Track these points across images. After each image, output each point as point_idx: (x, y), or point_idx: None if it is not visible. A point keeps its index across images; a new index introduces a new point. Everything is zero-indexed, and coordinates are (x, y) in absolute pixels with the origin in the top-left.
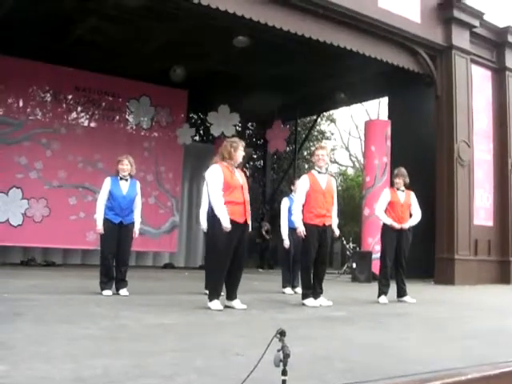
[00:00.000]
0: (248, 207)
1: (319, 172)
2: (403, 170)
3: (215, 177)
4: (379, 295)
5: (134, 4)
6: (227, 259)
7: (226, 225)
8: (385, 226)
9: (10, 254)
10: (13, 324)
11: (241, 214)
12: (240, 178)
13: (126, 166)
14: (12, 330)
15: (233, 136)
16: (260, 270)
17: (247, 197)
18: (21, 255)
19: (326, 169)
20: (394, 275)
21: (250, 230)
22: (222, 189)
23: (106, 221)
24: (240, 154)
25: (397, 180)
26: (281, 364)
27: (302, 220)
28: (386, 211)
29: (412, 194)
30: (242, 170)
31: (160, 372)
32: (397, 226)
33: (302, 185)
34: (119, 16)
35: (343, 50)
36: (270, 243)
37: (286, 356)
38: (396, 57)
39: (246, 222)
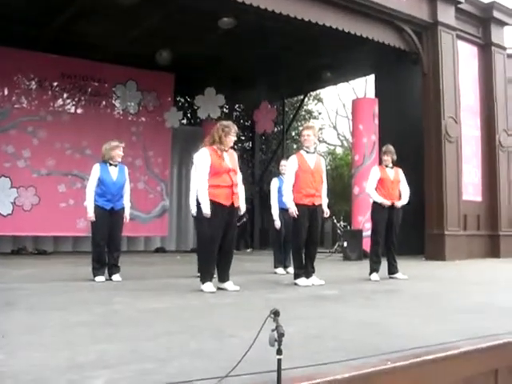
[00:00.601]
0: (236, 190)
1: (307, 152)
2: (391, 147)
3: (202, 161)
4: (371, 272)
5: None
6: (215, 242)
7: (206, 211)
8: (375, 203)
9: (1, 244)
10: (6, 313)
11: (227, 196)
12: (229, 161)
13: (121, 152)
14: (5, 319)
15: (219, 118)
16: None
17: (236, 180)
18: (11, 244)
19: (315, 148)
20: (385, 252)
21: (243, 211)
22: (209, 173)
23: (97, 207)
24: (231, 139)
25: (385, 157)
26: (276, 343)
27: (293, 200)
28: (376, 189)
29: (400, 171)
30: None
31: (155, 356)
32: (388, 202)
33: (290, 165)
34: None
35: (329, 29)
36: (246, 223)
37: (281, 335)
38: (381, 34)
39: (232, 204)
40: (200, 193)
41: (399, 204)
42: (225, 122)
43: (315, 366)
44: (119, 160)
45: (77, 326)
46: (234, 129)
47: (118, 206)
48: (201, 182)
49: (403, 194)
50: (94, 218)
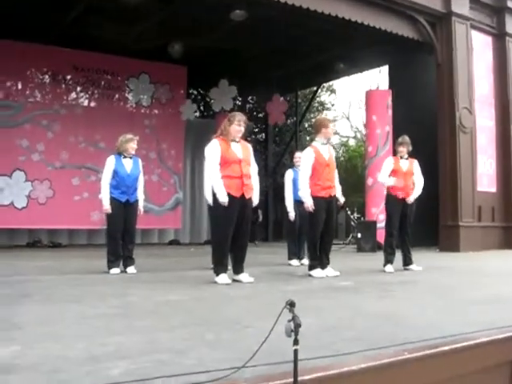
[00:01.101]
0: (247, 181)
1: (321, 143)
2: (407, 138)
3: (212, 152)
4: (385, 264)
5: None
6: (228, 233)
7: (223, 199)
8: (389, 195)
9: (16, 237)
10: (22, 305)
11: (237, 187)
12: (239, 151)
13: (135, 144)
14: (22, 311)
15: (232, 110)
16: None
17: (247, 171)
18: (27, 237)
19: (328, 140)
20: (400, 244)
21: (256, 203)
22: (220, 163)
23: (113, 200)
24: (234, 128)
25: (400, 148)
26: (292, 334)
27: (310, 193)
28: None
29: (415, 162)
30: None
31: (172, 347)
32: (401, 182)
33: (307, 158)
34: None
35: (342, 20)
36: (258, 218)
37: (297, 326)
38: (396, 25)
39: (243, 196)
40: (214, 182)
41: (411, 198)
42: (232, 113)
43: (332, 356)
44: (133, 153)
45: (93, 318)
46: (239, 117)
47: (133, 199)
48: (213, 171)
49: (416, 186)
50: (110, 210)
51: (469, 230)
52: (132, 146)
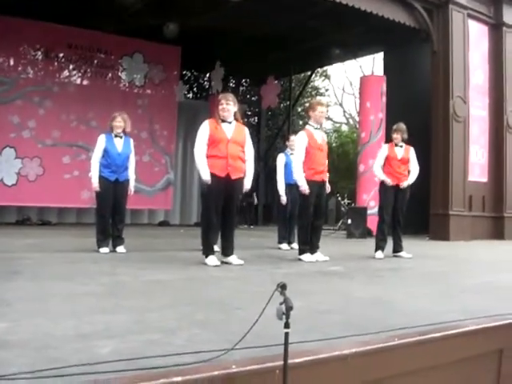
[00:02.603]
0: (233, 162)
1: (315, 128)
2: (402, 126)
3: (200, 132)
4: (376, 250)
5: None
6: (211, 213)
7: (205, 177)
8: (382, 182)
9: (5, 214)
10: (11, 282)
11: (222, 167)
12: (229, 132)
13: (119, 122)
14: (11, 288)
15: (223, 92)
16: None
17: (234, 151)
18: (16, 215)
19: (321, 124)
20: (391, 231)
21: (248, 187)
22: (208, 143)
23: (102, 178)
24: (220, 107)
25: (395, 135)
26: (283, 317)
27: (304, 177)
28: (383, 166)
29: (411, 150)
30: (242, 124)
31: (161, 327)
32: (389, 182)
33: (300, 142)
34: None
35: (338, 5)
36: (253, 200)
37: (289, 309)
38: (392, 11)
39: (228, 176)
40: (197, 160)
41: (404, 184)
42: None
43: (322, 340)
44: (119, 131)
45: (82, 296)
46: (221, 96)
47: (123, 178)
48: (197, 150)
49: (411, 173)
50: (98, 188)
51: (459, 219)
52: (116, 125)
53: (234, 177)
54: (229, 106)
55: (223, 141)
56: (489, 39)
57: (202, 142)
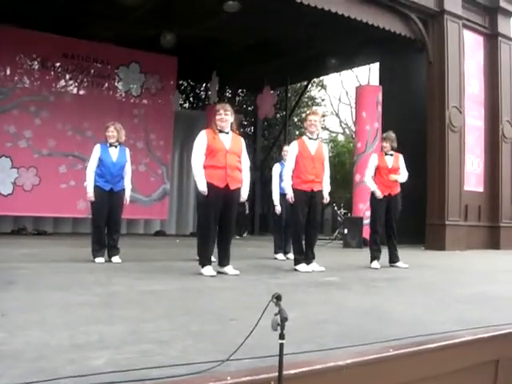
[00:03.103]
0: (232, 172)
1: (310, 138)
2: (391, 134)
3: (198, 142)
4: (371, 260)
5: None
6: (209, 223)
7: (202, 188)
8: (374, 193)
9: (1, 224)
10: (6, 292)
11: (221, 178)
12: (227, 142)
13: (112, 132)
14: (6, 299)
15: (219, 102)
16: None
17: (232, 161)
18: (11, 224)
19: (317, 135)
20: (386, 241)
21: (245, 197)
22: (206, 153)
23: (97, 188)
24: (218, 117)
25: (384, 144)
26: (278, 328)
27: (292, 186)
28: (374, 176)
29: (400, 157)
30: (239, 135)
31: (156, 337)
32: (380, 195)
33: (291, 150)
34: None
35: (334, 15)
36: (244, 211)
37: (284, 320)
38: (388, 22)
39: (227, 186)
40: (194, 170)
41: (394, 177)
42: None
43: (317, 351)
44: (113, 141)
45: (77, 307)
46: (219, 106)
47: (118, 188)
48: (194, 160)
49: (401, 176)
50: (93, 198)
51: (455, 228)
52: (109, 135)
53: (232, 187)
54: (227, 116)
55: (221, 151)
56: (484, 49)
57: (199, 153)
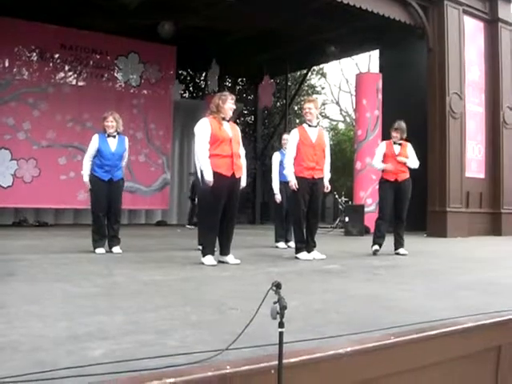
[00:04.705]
0: (237, 160)
1: (310, 125)
2: (403, 125)
3: (202, 130)
4: (372, 245)
5: None
6: (216, 213)
7: (209, 178)
8: (381, 178)
9: (2, 216)
10: (6, 284)
11: (228, 167)
12: (230, 130)
13: (111, 122)
14: (6, 290)
15: (219, 91)
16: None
17: (237, 150)
18: (12, 216)
19: (318, 123)
20: (393, 228)
21: (244, 185)
22: (210, 142)
23: (96, 178)
24: (229, 106)
25: (394, 134)
26: (278, 316)
27: (293, 173)
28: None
29: (409, 146)
30: (235, 123)
31: (156, 328)
32: (390, 166)
33: (292, 138)
34: None
35: (333, 3)
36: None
37: (283, 308)
38: (387, 8)
39: (233, 175)
40: (201, 160)
41: (403, 159)
42: (222, 92)
43: (317, 339)
44: (111, 131)
45: (77, 297)
46: (231, 96)
47: (117, 177)
48: (201, 149)
49: (410, 161)
50: (89, 186)
51: (456, 215)
52: (107, 125)
53: (238, 175)
54: (233, 105)
55: (226, 140)
56: (484, 35)
57: (204, 142)
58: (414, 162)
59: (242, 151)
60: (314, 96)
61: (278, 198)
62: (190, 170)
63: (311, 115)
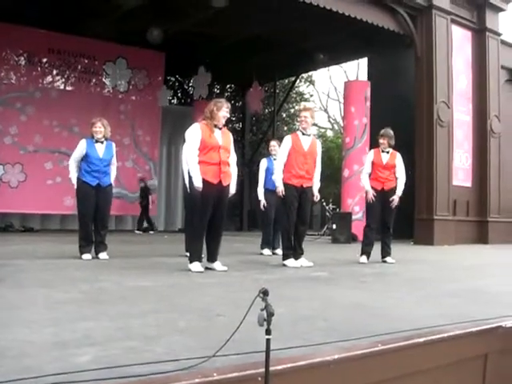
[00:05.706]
0: (225, 168)
1: (303, 133)
2: (389, 132)
3: (192, 135)
4: (361, 255)
5: None
6: (203, 220)
7: (197, 184)
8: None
9: None
10: None
11: (215, 174)
12: (220, 138)
13: (100, 128)
14: None
15: (208, 97)
16: (137, 232)
17: (225, 158)
18: None
19: (305, 130)
20: (381, 237)
21: (234, 192)
22: (199, 148)
23: (84, 184)
24: (223, 113)
25: (381, 140)
26: (265, 323)
27: (282, 180)
28: (370, 173)
29: (398, 156)
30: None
31: (142, 334)
32: (370, 197)
33: (284, 144)
34: None
35: (322, 10)
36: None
37: (270, 315)
38: (376, 17)
39: (220, 182)
40: (190, 165)
41: (396, 198)
42: (217, 99)
43: (305, 346)
44: (99, 136)
45: (63, 303)
46: (227, 104)
47: (105, 183)
48: (191, 154)
49: (399, 182)
50: (76, 186)
51: (443, 223)
52: (95, 130)
53: (225, 183)
54: (227, 114)
55: (215, 147)
56: (472, 44)
57: (193, 147)
58: (402, 179)
59: (232, 159)
60: (304, 104)
61: (263, 203)
62: (139, 174)
63: (306, 123)
